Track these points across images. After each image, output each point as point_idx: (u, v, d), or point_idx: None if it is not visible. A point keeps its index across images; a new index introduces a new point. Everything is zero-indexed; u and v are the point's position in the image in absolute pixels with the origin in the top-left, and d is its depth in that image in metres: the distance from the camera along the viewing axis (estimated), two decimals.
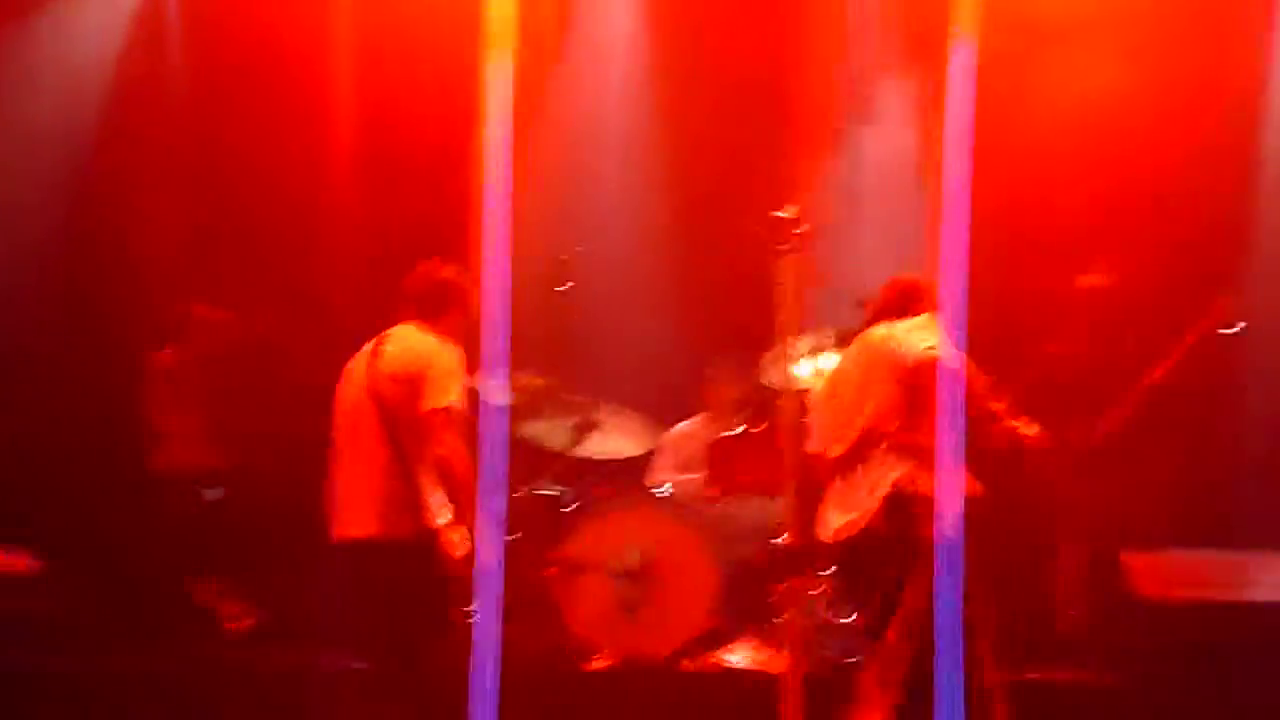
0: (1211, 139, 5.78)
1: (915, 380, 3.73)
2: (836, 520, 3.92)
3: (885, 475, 3.81)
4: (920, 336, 3.84)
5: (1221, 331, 5.09)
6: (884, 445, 3.83)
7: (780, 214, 3.41)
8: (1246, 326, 5.05)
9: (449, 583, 3.75)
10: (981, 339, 3.38)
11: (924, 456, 3.51)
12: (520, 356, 5.45)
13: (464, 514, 3.75)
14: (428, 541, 3.80)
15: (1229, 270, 5.61)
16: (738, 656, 4.93)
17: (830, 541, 3.95)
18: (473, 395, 4.03)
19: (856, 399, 3.95)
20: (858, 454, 3.89)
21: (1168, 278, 5.54)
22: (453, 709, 3.04)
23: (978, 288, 3.04)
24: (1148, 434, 5.17)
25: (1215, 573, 4.65)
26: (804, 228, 3.40)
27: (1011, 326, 5.45)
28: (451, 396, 3.86)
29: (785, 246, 3.41)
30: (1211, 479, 5.44)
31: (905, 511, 3.73)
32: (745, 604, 5.12)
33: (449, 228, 5.56)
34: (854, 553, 3.90)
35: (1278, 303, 5.47)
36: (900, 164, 5.96)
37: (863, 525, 3.83)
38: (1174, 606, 4.56)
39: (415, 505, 3.82)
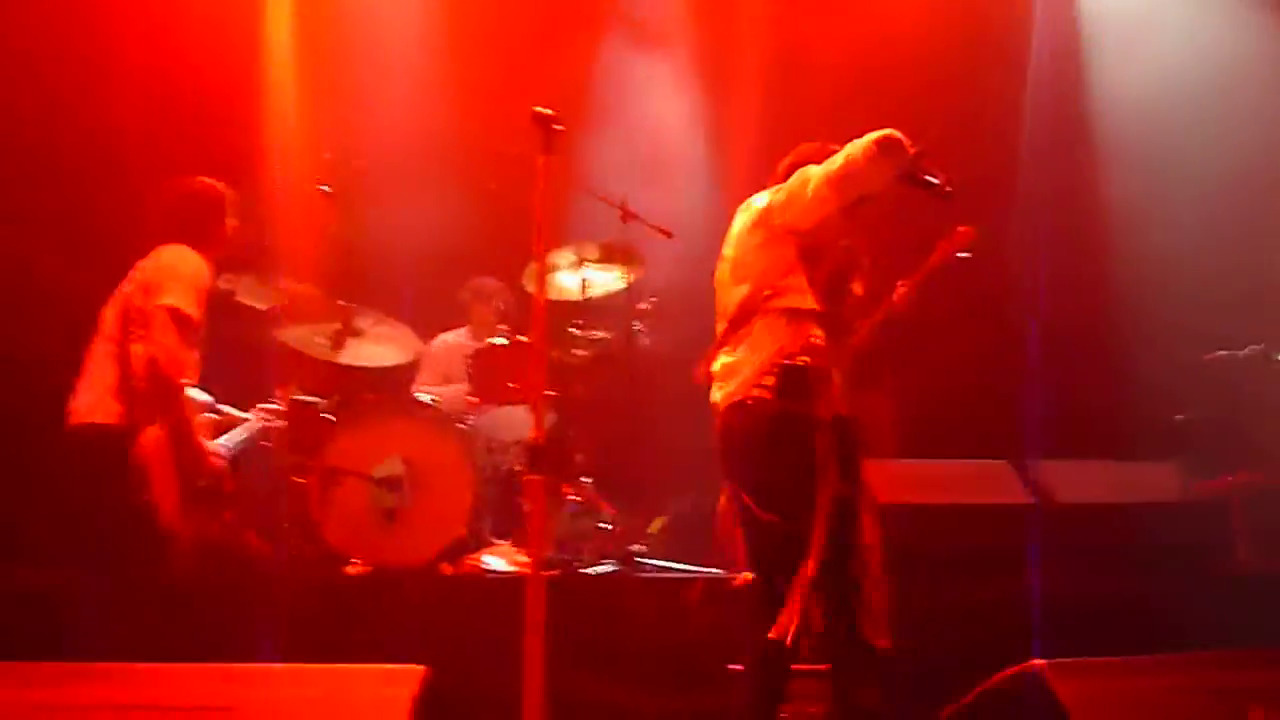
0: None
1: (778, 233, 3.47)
2: (715, 396, 3.60)
3: (764, 345, 3.45)
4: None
5: (959, 256, 5.42)
6: (761, 314, 3.49)
7: (539, 110, 3.35)
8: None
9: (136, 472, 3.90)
10: None
11: (801, 324, 3.39)
12: (283, 262, 5.40)
13: (159, 412, 3.96)
14: (119, 431, 3.94)
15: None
16: (498, 561, 5.01)
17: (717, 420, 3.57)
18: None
19: (732, 271, 3.66)
20: (738, 325, 3.56)
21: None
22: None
23: None
24: (885, 353, 5.51)
25: (935, 479, 5.01)
26: (560, 128, 3.35)
27: None
28: (178, 300, 3.98)
29: (543, 148, 3.39)
30: (934, 395, 5.87)
31: (786, 384, 3.39)
32: (506, 511, 5.21)
33: (220, 144, 5.48)
34: (729, 428, 3.51)
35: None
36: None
37: (738, 398, 3.46)
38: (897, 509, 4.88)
39: (115, 394, 3.96)
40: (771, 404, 3.35)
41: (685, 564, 5.26)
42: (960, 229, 5.42)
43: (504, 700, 2.98)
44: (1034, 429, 4.83)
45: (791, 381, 3.35)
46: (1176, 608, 3.89)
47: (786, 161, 3.70)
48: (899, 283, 5.41)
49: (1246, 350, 5.21)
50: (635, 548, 5.22)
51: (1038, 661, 2.25)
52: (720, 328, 3.64)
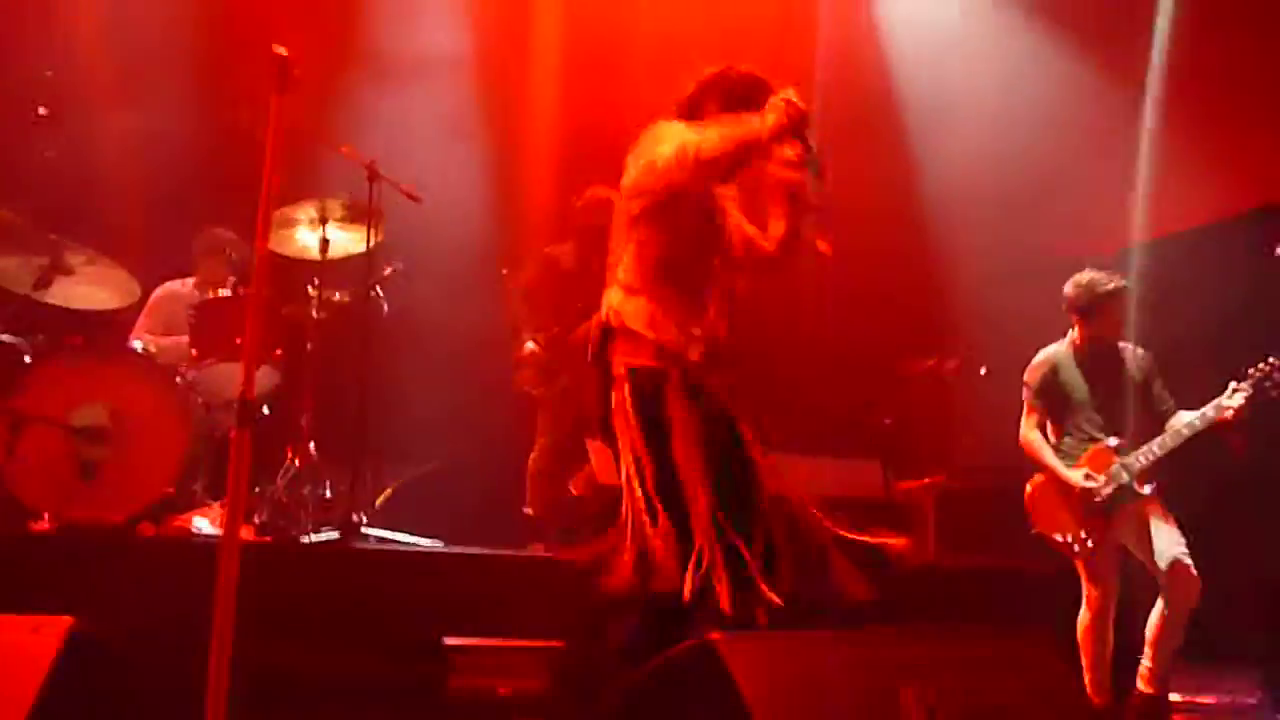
0: None
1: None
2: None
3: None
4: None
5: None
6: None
7: (277, 50, 3.18)
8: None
9: None
10: None
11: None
12: None
13: None
14: None
15: None
16: (205, 523, 4.77)
17: None
18: None
19: None
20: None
21: None
22: None
23: None
24: None
25: None
26: (289, 62, 3.18)
27: None
28: None
29: (277, 88, 3.22)
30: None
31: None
32: (221, 472, 4.95)
33: None
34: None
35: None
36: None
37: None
38: None
39: None
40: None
41: (410, 534, 5.17)
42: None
43: (184, 667, 2.81)
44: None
45: None
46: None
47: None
48: None
49: (951, 362, 5.60)
50: (358, 517, 5.07)
51: (712, 634, 2.33)
52: None
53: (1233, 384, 4.50)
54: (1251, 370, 4.46)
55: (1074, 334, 4.81)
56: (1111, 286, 4.74)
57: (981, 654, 2.53)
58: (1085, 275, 4.80)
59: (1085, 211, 6.43)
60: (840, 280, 6.12)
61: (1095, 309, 4.72)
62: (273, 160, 3.23)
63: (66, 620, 2.67)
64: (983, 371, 5.63)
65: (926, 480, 5.10)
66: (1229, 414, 4.44)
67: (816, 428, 5.72)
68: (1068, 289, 4.80)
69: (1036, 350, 4.87)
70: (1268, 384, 4.41)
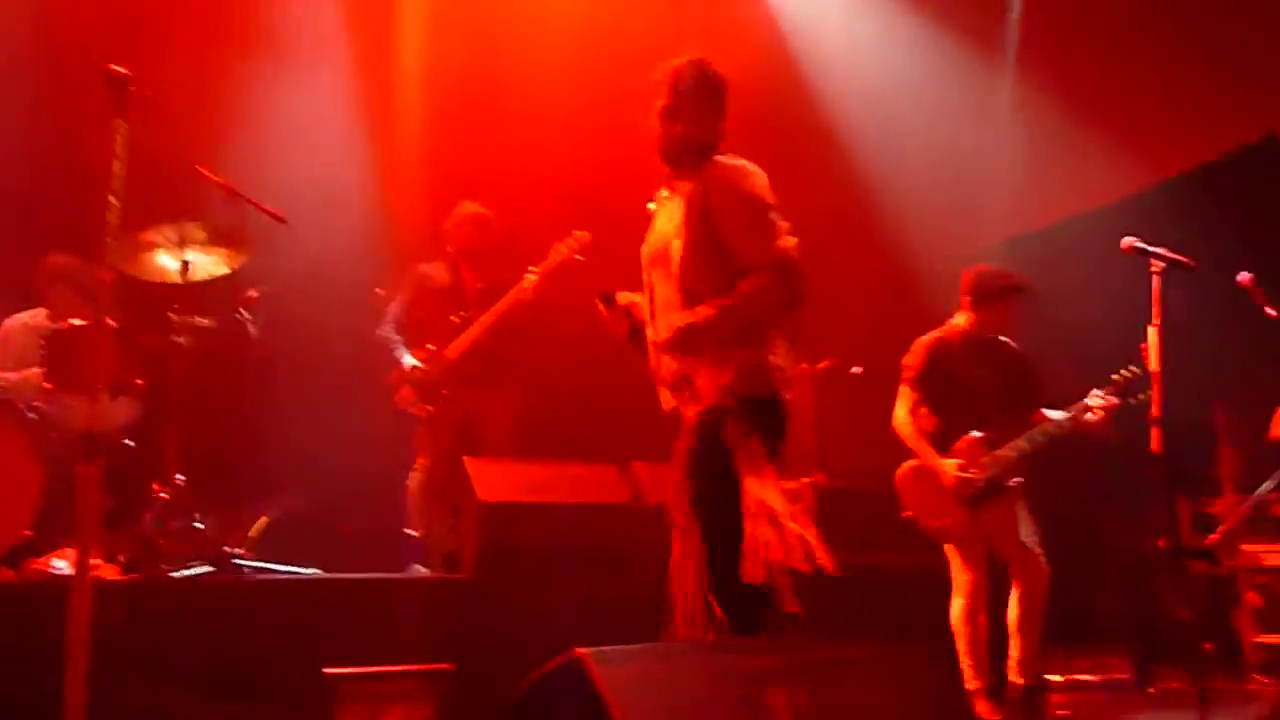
0: None
1: None
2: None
3: None
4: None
5: (575, 259, 5.54)
6: None
7: (113, 69, 3.07)
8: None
9: None
10: None
11: None
12: None
13: None
14: None
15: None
16: (65, 565, 4.55)
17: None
18: None
19: None
20: None
21: None
22: None
23: None
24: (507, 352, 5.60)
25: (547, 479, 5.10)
26: (141, 88, 3.08)
27: None
28: None
29: (116, 110, 3.11)
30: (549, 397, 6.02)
31: None
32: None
33: None
34: None
35: None
36: None
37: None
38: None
39: None
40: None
41: (287, 564, 5.03)
42: (576, 232, 5.58)
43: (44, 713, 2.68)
44: (635, 433, 5.03)
45: None
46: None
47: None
48: (528, 270, 5.50)
49: (821, 364, 5.67)
50: (230, 549, 4.90)
51: (579, 650, 2.30)
52: None
53: (1095, 391, 4.61)
54: (1115, 376, 4.58)
55: (960, 322, 4.83)
56: (1016, 283, 4.81)
57: (852, 656, 2.55)
58: (987, 266, 4.86)
59: (964, 207, 6.58)
60: None
61: (992, 301, 4.76)
62: (114, 184, 3.14)
63: None
64: (856, 371, 5.71)
65: (804, 481, 5.15)
66: (1091, 419, 4.56)
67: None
68: (967, 276, 4.83)
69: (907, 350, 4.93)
70: (1128, 392, 4.52)
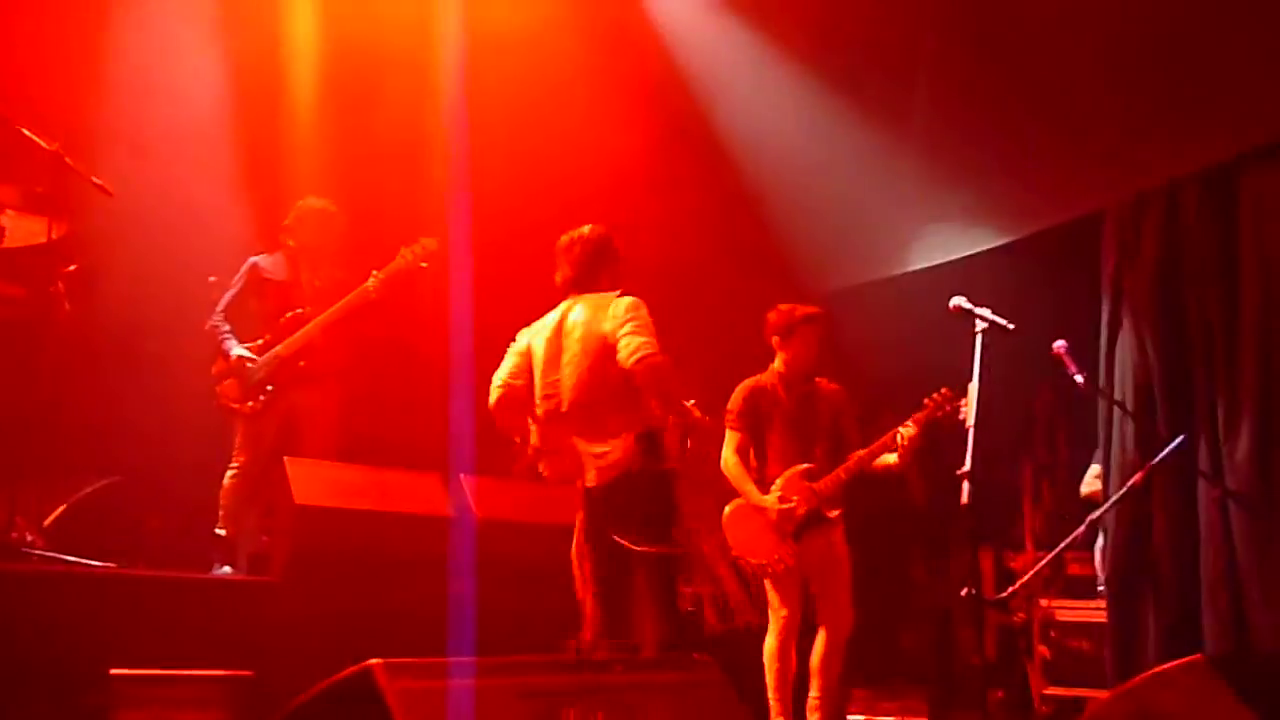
0: None
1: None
2: None
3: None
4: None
5: (420, 265, 5.44)
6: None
7: None
8: None
9: None
10: None
11: None
12: None
13: None
14: None
15: None
16: None
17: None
18: None
19: None
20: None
21: None
22: None
23: None
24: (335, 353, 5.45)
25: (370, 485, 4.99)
26: None
27: None
28: None
29: None
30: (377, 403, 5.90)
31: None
32: None
33: None
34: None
35: None
36: None
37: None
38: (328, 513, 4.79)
39: None
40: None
41: (83, 556, 4.75)
42: (424, 239, 5.48)
43: None
44: (465, 445, 4.95)
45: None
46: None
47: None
48: (372, 271, 5.37)
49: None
50: (20, 535, 4.60)
51: (372, 661, 2.24)
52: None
53: (904, 421, 4.80)
54: (926, 400, 4.78)
55: (776, 363, 5.04)
56: (808, 313, 5.01)
57: (648, 678, 2.55)
58: (783, 304, 5.07)
59: (796, 256, 6.74)
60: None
61: (792, 333, 4.96)
62: None
63: None
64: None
65: None
66: (901, 442, 4.73)
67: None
68: (769, 315, 5.04)
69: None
70: (939, 413, 4.72)
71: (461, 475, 5.14)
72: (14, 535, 4.53)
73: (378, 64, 6.27)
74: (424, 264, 5.42)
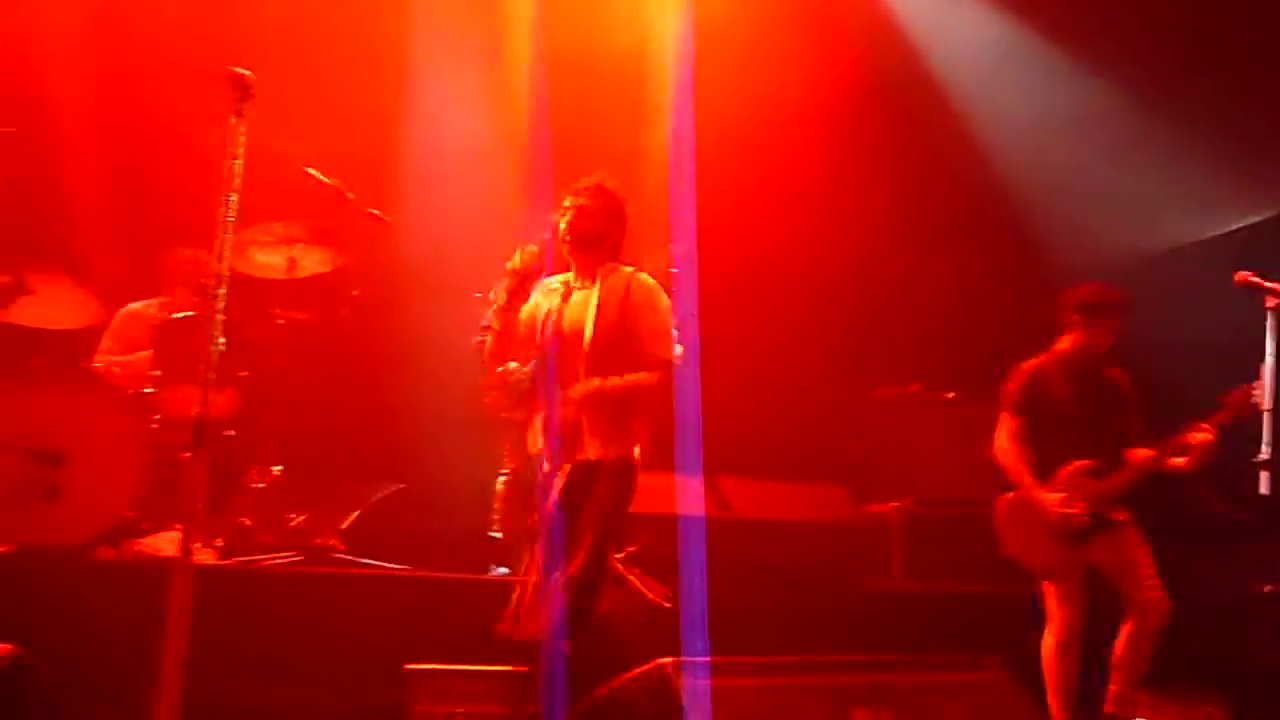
0: None
1: None
2: None
3: None
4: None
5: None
6: None
7: (235, 70, 3.16)
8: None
9: None
10: None
11: None
12: None
13: None
14: None
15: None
16: (165, 546, 4.70)
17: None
18: None
19: None
20: None
21: None
22: None
23: None
24: None
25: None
26: (250, 84, 3.15)
27: None
28: None
29: (235, 110, 3.19)
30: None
31: None
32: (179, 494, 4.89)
33: None
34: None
35: None
36: None
37: None
38: None
39: None
40: None
41: (373, 559, 5.12)
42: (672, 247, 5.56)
43: (132, 695, 2.77)
44: (715, 446, 5.00)
45: None
46: (833, 617, 4.11)
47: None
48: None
49: (912, 388, 5.60)
50: (323, 540, 5.02)
51: (664, 660, 2.30)
52: None
53: (1199, 423, 4.43)
54: (1222, 399, 4.35)
55: (1064, 345, 4.69)
56: (1119, 299, 4.64)
57: (936, 680, 2.52)
58: (1094, 282, 4.69)
59: (1080, 225, 6.41)
60: (807, 305, 6.15)
61: (1100, 315, 4.60)
62: (232, 181, 3.22)
63: (4, 648, 2.62)
64: (949, 397, 5.63)
65: (893, 505, 5.06)
66: (1195, 445, 4.39)
67: (779, 452, 5.70)
68: (1073, 293, 4.68)
69: (1008, 373, 4.81)
70: (1238, 416, 4.33)
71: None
72: (318, 540, 4.94)
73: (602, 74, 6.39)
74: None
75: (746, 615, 4.21)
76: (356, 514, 5.63)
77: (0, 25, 5.63)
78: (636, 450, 4.00)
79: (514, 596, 4.27)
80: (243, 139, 3.18)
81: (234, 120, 3.17)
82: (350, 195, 5.10)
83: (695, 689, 2.18)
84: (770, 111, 6.38)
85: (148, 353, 5.13)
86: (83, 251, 5.43)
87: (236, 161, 3.15)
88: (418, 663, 4.15)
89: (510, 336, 4.11)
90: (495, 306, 4.10)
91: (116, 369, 5.13)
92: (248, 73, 3.18)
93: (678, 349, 4.06)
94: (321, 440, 5.44)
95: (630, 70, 6.36)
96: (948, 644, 4.37)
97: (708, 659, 2.36)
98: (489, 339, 4.20)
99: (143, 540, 4.71)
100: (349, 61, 6.24)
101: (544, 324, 4.06)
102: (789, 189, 6.38)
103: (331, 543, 5.07)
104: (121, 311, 5.44)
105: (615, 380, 3.94)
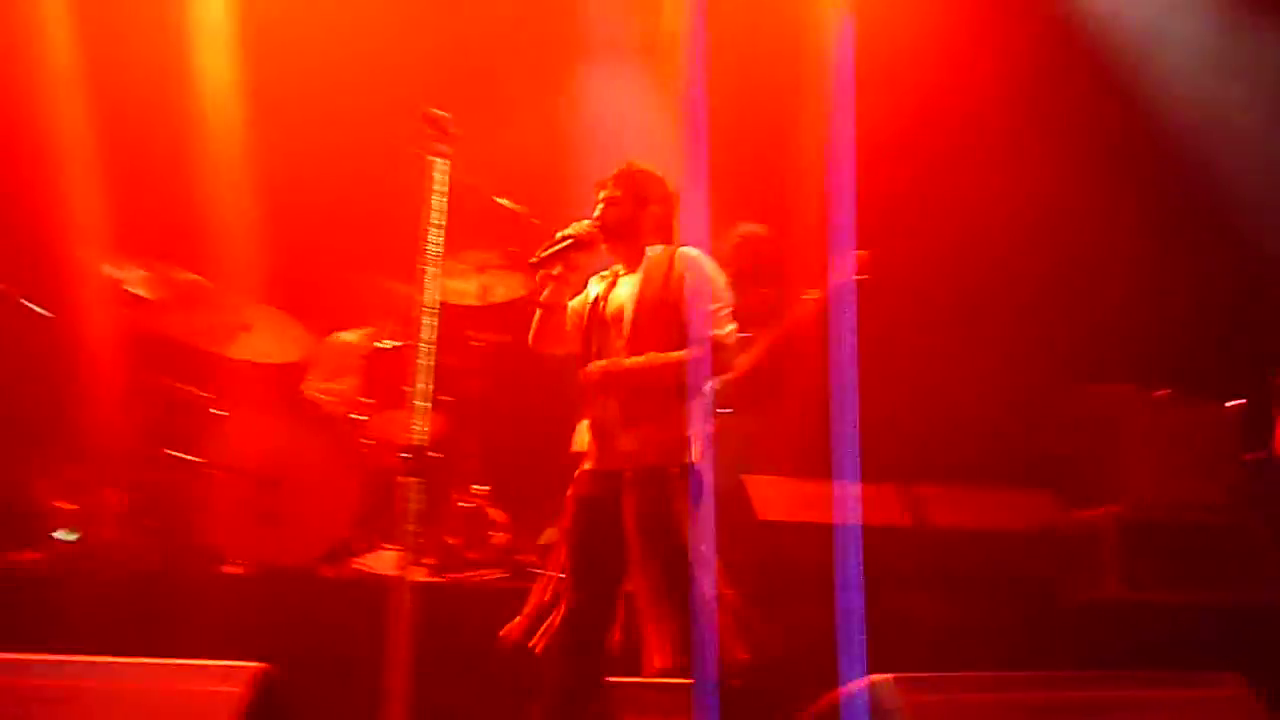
0: None
1: None
2: None
3: None
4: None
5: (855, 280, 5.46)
6: None
7: (432, 112, 3.34)
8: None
9: None
10: None
11: None
12: (169, 249, 5.29)
13: None
14: None
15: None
16: (382, 564, 4.94)
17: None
18: None
19: None
20: None
21: None
22: None
23: None
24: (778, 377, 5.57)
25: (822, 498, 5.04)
26: (453, 129, 3.33)
27: None
28: None
29: (435, 150, 3.37)
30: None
31: None
32: (391, 514, 5.13)
33: None
34: None
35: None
36: None
37: None
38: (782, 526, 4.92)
39: None
40: None
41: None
42: (857, 252, 5.49)
43: (361, 706, 2.93)
44: (914, 453, 4.89)
45: None
46: (1041, 631, 3.96)
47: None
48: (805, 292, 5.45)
49: (1123, 386, 5.34)
50: (525, 557, 5.17)
51: (879, 675, 2.28)
52: None
53: None
54: None
55: None
56: None
57: (1167, 697, 2.41)
58: None
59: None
60: (1005, 299, 5.94)
61: None
62: (435, 217, 3.39)
63: (256, 667, 2.80)
64: (1163, 395, 5.33)
65: (1106, 510, 4.80)
66: None
67: (979, 456, 5.52)
68: None
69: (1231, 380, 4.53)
70: None
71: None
72: (519, 557, 5.09)
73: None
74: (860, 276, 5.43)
75: (949, 630, 4.11)
76: (552, 530, 5.77)
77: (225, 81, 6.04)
78: (695, 451, 3.55)
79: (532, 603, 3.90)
80: (443, 176, 3.36)
81: (434, 159, 3.35)
82: (536, 221, 5.24)
83: (917, 704, 2.15)
84: (942, 96, 6.23)
85: (354, 380, 5.43)
86: (295, 287, 5.74)
87: (439, 198, 3.33)
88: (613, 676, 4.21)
89: (558, 318, 3.81)
90: (545, 290, 3.81)
91: (327, 397, 5.42)
92: (445, 114, 3.36)
93: (729, 326, 3.63)
94: (521, 459, 5.60)
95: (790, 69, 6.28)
96: (1173, 658, 4.16)
97: (920, 674, 2.32)
98: (534, 318, 3.88)
99: (359, 559, 4.95)
100: (522, 86, 6.42)
101: (590, 311, 3.81)
102: (977, 171, 6.18)
103: (533, 559, 5.21)
104: (329, 340, 5.75)
105: (637, 359, 3.58)
